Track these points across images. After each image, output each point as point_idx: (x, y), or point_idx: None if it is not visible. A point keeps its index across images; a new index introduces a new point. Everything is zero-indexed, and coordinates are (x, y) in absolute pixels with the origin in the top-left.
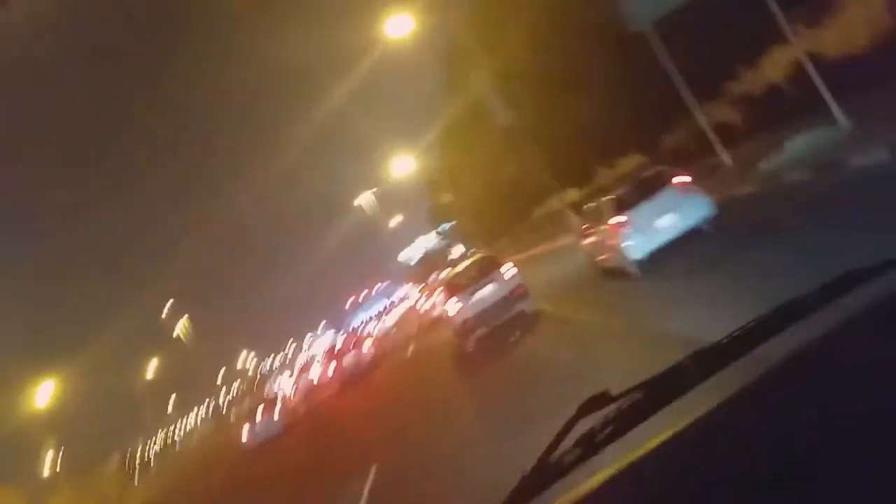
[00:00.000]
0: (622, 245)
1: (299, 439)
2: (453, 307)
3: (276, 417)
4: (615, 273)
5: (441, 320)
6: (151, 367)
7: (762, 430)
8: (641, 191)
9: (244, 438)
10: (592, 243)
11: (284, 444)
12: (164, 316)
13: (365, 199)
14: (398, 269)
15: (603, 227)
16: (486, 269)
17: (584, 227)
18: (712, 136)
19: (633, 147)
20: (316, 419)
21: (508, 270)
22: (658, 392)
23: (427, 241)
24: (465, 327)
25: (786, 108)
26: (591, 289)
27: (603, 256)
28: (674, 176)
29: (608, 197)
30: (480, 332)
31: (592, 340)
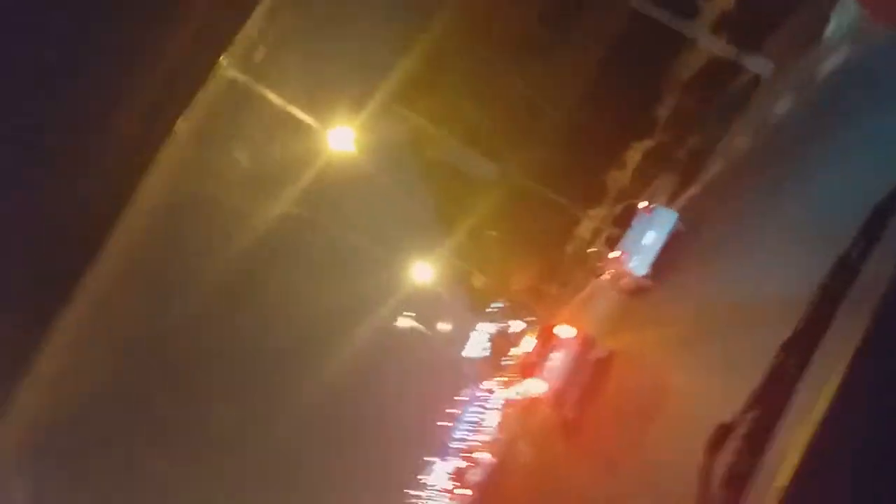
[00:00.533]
0: (629, 269)
1: None
2: (536, 385)
3: None
4: (636, 290)
5: (534, 401)
6: None
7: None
8: (622, 226)
9: None
10: (611, 275)
11: None
12: None
13: (404, 323)
14: (470, 368)
15: (610, 263)
16: (546, 339)
17: (599, 265)
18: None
19: (628, 133)
20: None
21: (566, 330)
22: (771, 402)
23: (483, 329)
24: (557, 398)
25: None
26: (629, 308)
27: (622, 282)
28: (640, 205)
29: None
30: (571, 395)
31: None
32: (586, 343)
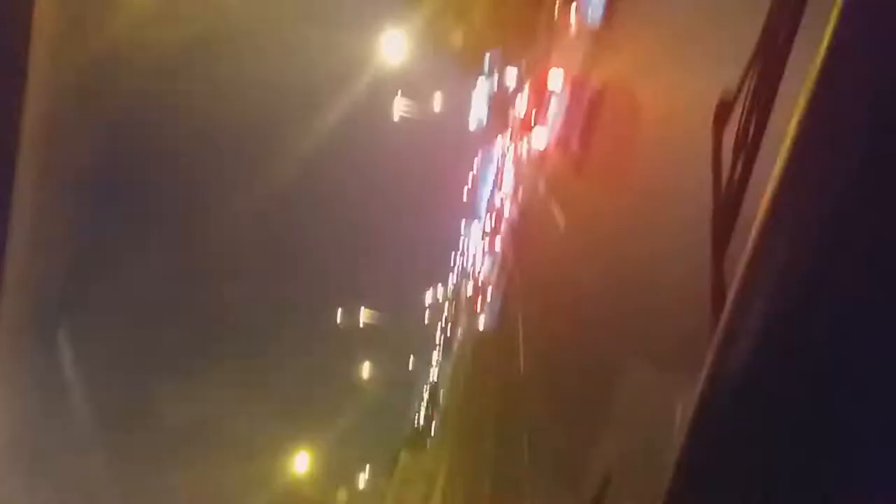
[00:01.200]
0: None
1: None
2: (539, 136)
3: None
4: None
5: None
6: None
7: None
8: None
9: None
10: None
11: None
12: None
13: (400, 106)
14: (479, 136)
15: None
16: (539, 90)
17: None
18: None
19: None
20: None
21: (555, 77)
22: (769, 64)
23: (481, 89)
24: (561, 142)
25: None
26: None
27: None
28: None
29: None
30: (573, 136)
31: None
32: (577, 84)
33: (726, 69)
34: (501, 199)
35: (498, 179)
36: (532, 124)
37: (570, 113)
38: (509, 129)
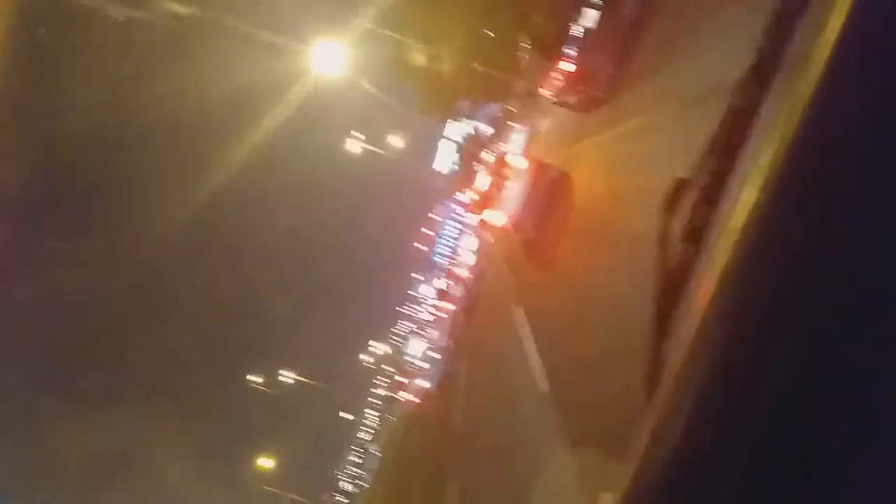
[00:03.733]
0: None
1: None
2: (495, 216)
3: None
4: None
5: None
6: None
7: None
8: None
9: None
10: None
11: None
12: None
13: (353, 146)
14: (442, 182)
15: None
16: (499, 171)
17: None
18: None
19: None
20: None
21: (517, 160)
22: (726, 150)
23: (450, 134)
24: (516, 225)
25: None
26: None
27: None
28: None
29: None
30: (529, 220)
31: None
32: (539, 169)
33: (681, 164)
34: (457, 263)
35: (457, 239)
36: (488, 204)
37: (529, 196)
38: (471, 193)
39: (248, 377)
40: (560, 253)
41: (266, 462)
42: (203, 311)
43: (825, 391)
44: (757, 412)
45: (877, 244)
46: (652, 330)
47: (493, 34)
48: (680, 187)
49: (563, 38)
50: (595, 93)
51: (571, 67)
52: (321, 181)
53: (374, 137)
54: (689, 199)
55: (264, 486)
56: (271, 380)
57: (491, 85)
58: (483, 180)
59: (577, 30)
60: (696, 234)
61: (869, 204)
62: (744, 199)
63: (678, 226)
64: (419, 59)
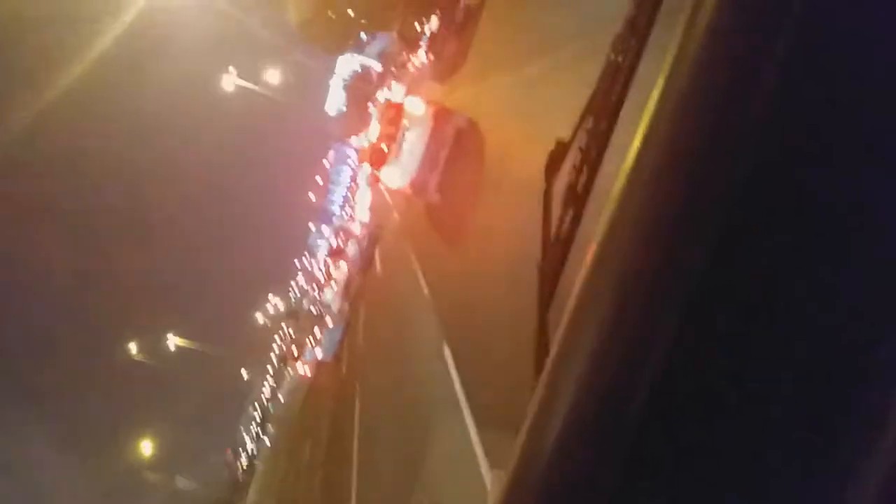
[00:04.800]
0: None
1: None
2: (391, 177)
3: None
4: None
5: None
6: None
7: None
8: None
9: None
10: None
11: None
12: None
13: (230, 81)
14: (333, 125)
15: None
16: (395, 119)
17: None
18: None
19: None
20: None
21: (415, 104)
22: (605, 109)
23: (340, 71)
24: (417, 187)
25: None
26: None
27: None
28: None
29: None
30: (432, 180)
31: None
32: (442, 115)
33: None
34: (350, 218)
35: (350, 189)
36: (385, 154)
37: (430, 151)
38: (362, 141)
39: (127, 346)
40: (466, 218)
41: (147, 445)
42: (60, 276)
43: (712, 354)
44: (644, 381)
45: (757, 192)
46: (538, 299)
47: None
48: (561, 149)
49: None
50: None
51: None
52: (196, 121)
53: (248, 69)
54: (571, 161)
55: (147, 472)
56: (154, 348)
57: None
58: (374, 128)
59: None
60: (578, 197)
61: (744, 155)
62: (624, 159)
63: (560, 187)
64: None
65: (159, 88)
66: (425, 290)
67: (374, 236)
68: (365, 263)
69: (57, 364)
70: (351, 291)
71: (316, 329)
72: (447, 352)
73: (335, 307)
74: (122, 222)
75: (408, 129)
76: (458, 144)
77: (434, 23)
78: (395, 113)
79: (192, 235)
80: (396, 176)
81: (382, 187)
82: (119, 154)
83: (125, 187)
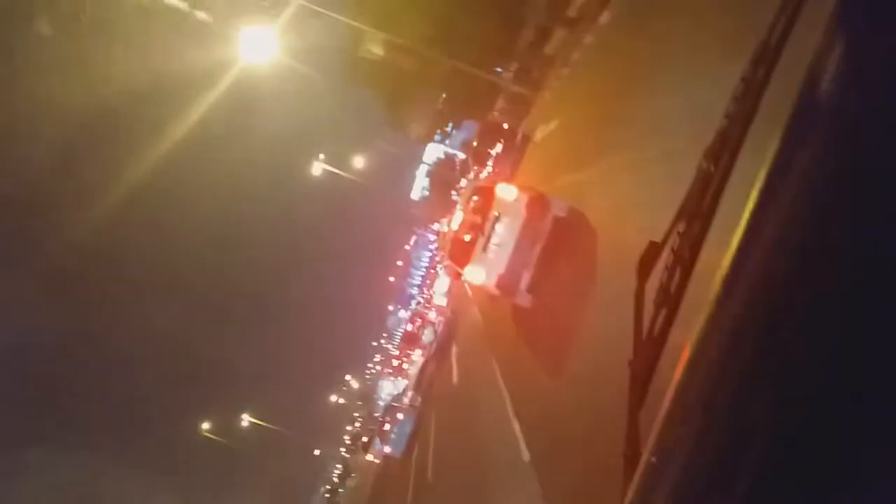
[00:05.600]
0: None
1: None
2: (475, 275)
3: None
4: None
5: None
6: None
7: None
8: None
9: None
10: None
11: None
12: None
13: (318, 167)
14: (418, 210)
15: None
16: (483, 207)
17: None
18: None
19: None
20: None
21: (507, 190)
22: (699, 212)
23: (425, 162)
24: (505, 287)
25: None
26: None
27: None
28: None
29: None
30: (524, 278)
31: None
32: (536, 203)
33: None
34: (428, 303)
35: (429, 275)
36: (468, 246)
37: (522, 243)
38: (443, 230)
39: (203, 426)
40: (562, 326)
41: None
42: (157, 349)
43: (804, 454)
44: (738, 481)
45: (854, 303)
46: (629, 398)
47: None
48: (653, 250)
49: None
50: None
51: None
52: (287, 201)
53: (336, 152)
54: (663, 261)
55: None
56: (230, 426)
57: (468, 96)
58: (457, 217)
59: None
60: (671, 298)
61: (838, 267)
62: (718, 263)
63: (653, 288)
64: (377, 50)
65: (247, 168)
66: (508, 404)
67: (450, 324)
68: (439, 353)
69: (146, 433)
70: (423, 384)
71: (388, 419)
72: (526, 456)
73: (407, 399)
74: (205, 300)
75: (497, 218)
76: (555, 237)
77: (498, 148)
78: (483, 199)
79: (272, 313)
80: (481, 271)
81: (459, 281)
82: (203, 233)
83: (210, 266)
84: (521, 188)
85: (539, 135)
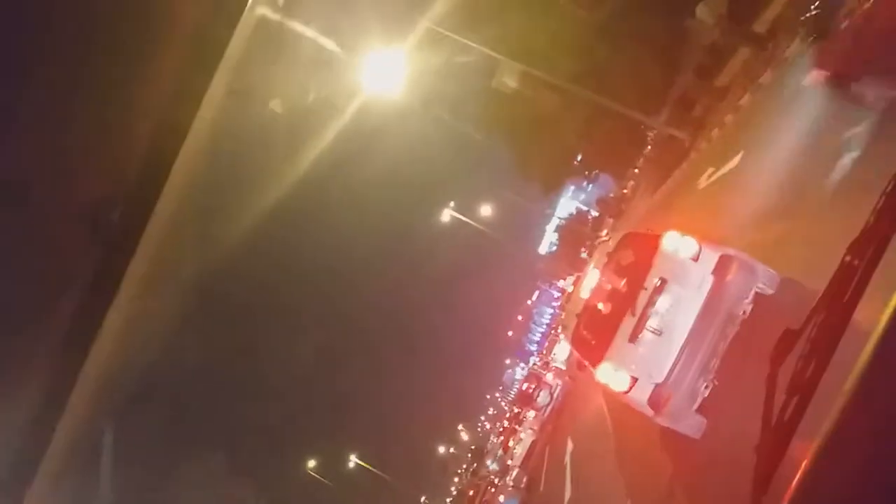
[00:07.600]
0: None
1: None
2: (617, 380)
3: None
4: None
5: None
6: None
7: None
8: None
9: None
10: None
11: None
12: None
13: (448, 215)
14: (544, 264)
15: None
16: (639, 267)
17: None
18: None
19: None
20: None
21: (682, 242)
22: (838, 305)
23: (561, 208)
24: (657, 403)
25: None
26: None
27: None
28: None
29: None
30: (698, 394)
31: None
32: (735, 269)
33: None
34: (545, 364)
35: (549, 334)
36: (605, 325)
37: (699, 332)
38: (574, 290)
39: (309, 465)
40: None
41: None
42: (286, 388)
43: None
44: None
45: None
46: (753, 482)
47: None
48: (789, 337)
49: None
50: None
51: None
52: (406, 248)
53: (463, 199)
54: (798, 351)
55: None
56: (334, 466)
57: (610, 143)
58: (590, 279)
59: None
60: (805, 387)
61: None
62: (854, 361)
63: (785, 377)
64: (512, 83)
65: (374, 213)
66: None
67: (566, 388)
68: (552, 437)
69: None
70: (531, 463)
71: (491, 493)
72: None
73: (512, 477)
74: (322, 341)
75: (660, 287)
76: (751, 325)
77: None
78: (636, 254)
79: (388, 358)
80: (624, 375)
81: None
82: (321, 272)
83: (328, 308)
84: (706, 240)
85: (704, 181)
